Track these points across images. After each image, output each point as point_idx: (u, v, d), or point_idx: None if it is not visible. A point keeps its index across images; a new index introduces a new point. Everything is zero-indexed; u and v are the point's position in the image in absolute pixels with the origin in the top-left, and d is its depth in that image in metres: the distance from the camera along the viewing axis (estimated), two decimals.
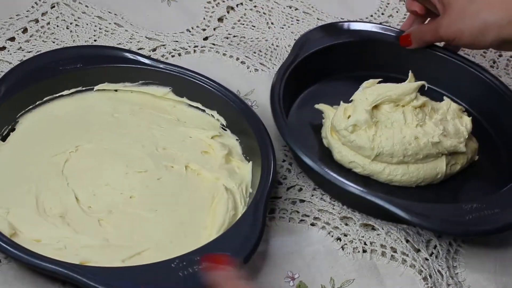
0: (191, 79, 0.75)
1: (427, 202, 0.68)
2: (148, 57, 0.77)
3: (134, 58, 0.76)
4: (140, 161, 0.69)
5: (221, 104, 0.74)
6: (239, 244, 0.60)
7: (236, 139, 0.74)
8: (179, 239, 0.63)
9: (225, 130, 0.75)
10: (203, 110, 0.76)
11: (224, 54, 0.90)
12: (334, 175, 0.67)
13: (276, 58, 0.91)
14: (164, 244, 0.62)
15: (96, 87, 0.75)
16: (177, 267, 0.57)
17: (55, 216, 0.62)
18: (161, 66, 0.76)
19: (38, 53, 0.80)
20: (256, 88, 0.86)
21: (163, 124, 0.74)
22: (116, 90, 0.76)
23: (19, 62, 0.79)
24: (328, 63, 0.83)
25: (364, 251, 0.68)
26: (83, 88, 0.75)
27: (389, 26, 0.88)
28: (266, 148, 0.68)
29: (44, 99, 0.73)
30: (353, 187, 0.66)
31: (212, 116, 0.76)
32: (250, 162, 0.71)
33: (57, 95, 0.73)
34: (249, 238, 0.60)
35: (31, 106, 0.72)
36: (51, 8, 0.91)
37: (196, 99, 0.76)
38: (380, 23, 0.99)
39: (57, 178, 0.66)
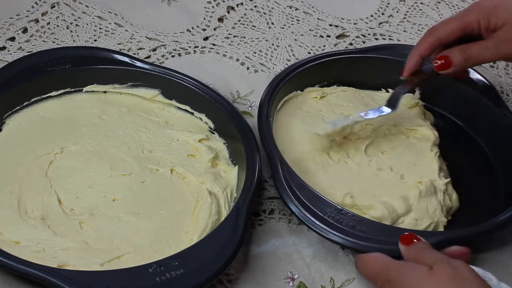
0: (180, 81, 0.75)
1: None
2: (138, 59, 0.77)
3: (123, 59, 0.76)
4: (125, 163, 0.69)
5: (210, 107, 0.74)
6: (219, 249, 0.59)
7: (224, 143, 0.74)
8: (160, 243, 0.63)
9: (213, 133, 0.75)
10: (192, 113, 0.76)
11: (224, 55, 0.90)
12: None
13: (276, 58, 0.91)
14: (144, 248, 0.62)
15: (85, 89, 0.75)
16: (154, 272, 0.57)
17: (36, 218, 0.62)
18: (151, 68, 0.76)
19: (26, 54, 0.81)
20: (256, 89, 0.85)
21: (151, 126, 0.73)
22: (105, 92, 0.76)
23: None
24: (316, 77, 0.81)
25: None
26: (72, 89, 0.75)
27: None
28: (252, 153, 0.68)
29: (32, 100, 0.73)
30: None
31: (200, 119, 0.75)
32: (236, 166, 0.70)
33: (45, 96, 0.74)
34: (229, 243, 0.60)
35: (18, 107, 0.72)
36: (51, 8, 0.92)
37: (185, 101, 0.76)
38: (380, 23, 0.98)
39: (40, 179, 0.66)
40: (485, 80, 0.81)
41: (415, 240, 0.60)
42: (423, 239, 0.60)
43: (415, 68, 0.71)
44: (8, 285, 0.60)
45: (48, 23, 0.90)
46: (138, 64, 0.76)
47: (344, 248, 0.67)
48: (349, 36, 0.96)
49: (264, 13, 0.98)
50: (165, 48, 0.89)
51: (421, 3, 1.04)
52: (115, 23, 0.92)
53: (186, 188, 0.68)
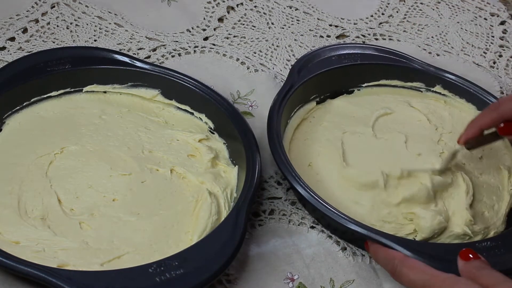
0: (180, 81, 0.75)
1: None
2: (138, 59, 0.77)
3: (123, 59, 0.76)
4: (124, 163, 0.69)
5: (210, 107, 0.74)
6: (218, 249, 0.59)
7: (224, 143, 0.74)
8: (160, 243, 0.63)
9: (213, 133, 0.75)
10: (192, 113, 0.76)
11: (224, 55, 0.90)
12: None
13: (276, 58, 0.91)
14: (144, 248, 0.62)
15: (85, 89, 0.75)
16: (154, 272, 0.57)
17: (36, 218, 0.62)
18: (151, 68, 0.76)
19: (26, 54, 0.80)
20: (256, 88, 0.85)
21: (151, 126, 0.73)
22: (105, 92, 0.76)
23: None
24: (326, 87, 0.80)
25: (363, 254, 0.67)
26: (72, 90, 0.75)
27: (379, 46, 0.85)
28: (252, 153, 0.68)
29: (32, 100, 0.73)
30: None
31: (200, 119, 0.75)
32: (236, 166, 0.70)
33: (45, 96, 0.74)
34: (229, 243, 0.60)
35: (18, 107, 0.72)
36: (51, 8, 0.92)
37: (185, 101, 0.76)
38: (380, 23, 0.98)
39: (40, 179, 0.66)
40: None
41: (471, 255, 0.58)
42: (483, 258, 0.58)
43: (473, 138, 0.70)
44: (8, 285, 0.60)
45: (48, 23, 0.90)
46: (138, 64, 0.76)
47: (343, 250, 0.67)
48: (349, 36, 0.96)
49: (264, 13, 0.98)
50: (165, 48, 0.89)
51: (421, 3, 1.04)
52: (115, 23, 0.92)
53: (186, 188, 0.68)
